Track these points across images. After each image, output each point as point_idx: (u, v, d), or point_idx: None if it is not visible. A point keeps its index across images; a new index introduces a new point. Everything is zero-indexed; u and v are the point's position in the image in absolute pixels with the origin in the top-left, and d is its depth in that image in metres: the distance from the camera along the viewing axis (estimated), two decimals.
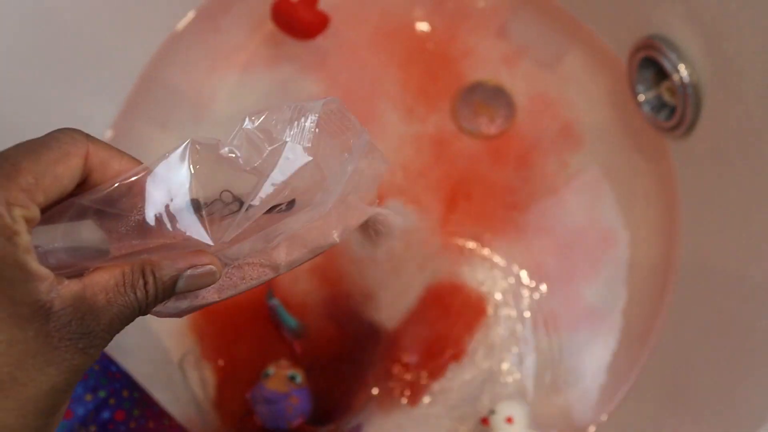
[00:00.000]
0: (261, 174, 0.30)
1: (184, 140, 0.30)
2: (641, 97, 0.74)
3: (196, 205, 0.30)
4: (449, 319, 0.76)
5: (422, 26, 0.84)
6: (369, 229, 0.38)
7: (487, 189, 0.79)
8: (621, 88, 0.78)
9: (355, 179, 0.34)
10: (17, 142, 0.27)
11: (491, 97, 0.82)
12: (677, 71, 0.67)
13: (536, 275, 0.77)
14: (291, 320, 0.74)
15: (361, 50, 0.83)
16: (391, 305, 0.76)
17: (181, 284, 0.30)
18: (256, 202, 0.30)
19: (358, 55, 0.83)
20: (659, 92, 0.73)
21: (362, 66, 0.82)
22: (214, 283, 0.31)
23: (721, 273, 0.67)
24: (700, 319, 0.69)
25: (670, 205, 0.75)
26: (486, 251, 0.78)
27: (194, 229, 0.29)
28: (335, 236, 0.35)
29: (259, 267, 0.34)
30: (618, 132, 0.79)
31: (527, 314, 0.76)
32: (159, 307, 0.31)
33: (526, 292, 0.76)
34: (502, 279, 0.77)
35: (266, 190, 0.30)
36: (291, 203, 0.32)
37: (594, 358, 0.75)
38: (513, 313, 0.76)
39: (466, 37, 0.83)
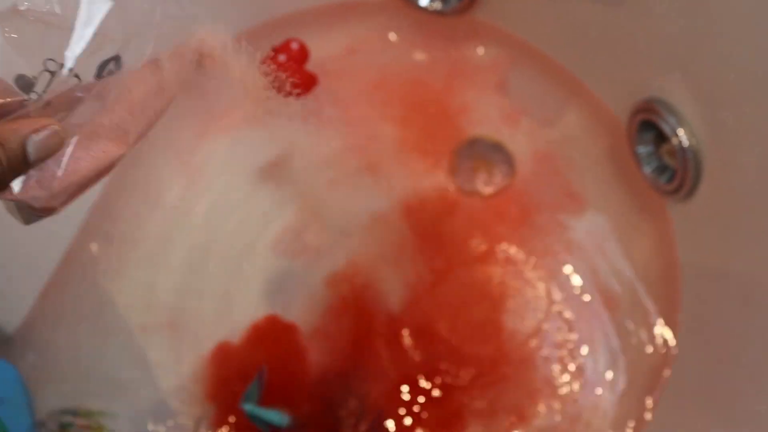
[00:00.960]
0: (67, 26, 0.30)
1: None
2: (642, 159, 0.73)
3: (22, 79, 0.30)
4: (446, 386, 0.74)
5: (419, 80, 0.83)
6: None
7: (487, 248, 0.78)
8: (621, 148, 0.76)
9: (170, 26, 0.34)
10: None
11: (490, 153, 0.81)
12: (676, 135, 0.66)
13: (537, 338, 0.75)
14: (273, 415, 0.70)
15: (356, 105, 0.82)
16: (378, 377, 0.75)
17: (31, 151, 0.30)
18: (70, 54, 0.30)
19: (353, 109, 0.82)
20: (660, 154, 0.72)
21: (358, 121, 0.82)
22: (62, 143, 0.31)
23: (721, 334, 0.65)
24: (701, 389, 0.67)
25: (671, 269, 0.74)
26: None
27: (13, 91, 0.29)
28: (170, 84, 0.35)
29: (109, 136, 0.33)
30: (619, 193, 0.77)
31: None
32: (25, 192, 0.31)
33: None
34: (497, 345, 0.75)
35: (77, 42, 0.30)
36: (117, 60, 0.32)
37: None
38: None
39: (465, 92, 0.82)
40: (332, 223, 0.80)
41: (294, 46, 0.79)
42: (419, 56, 0.83)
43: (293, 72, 0.77)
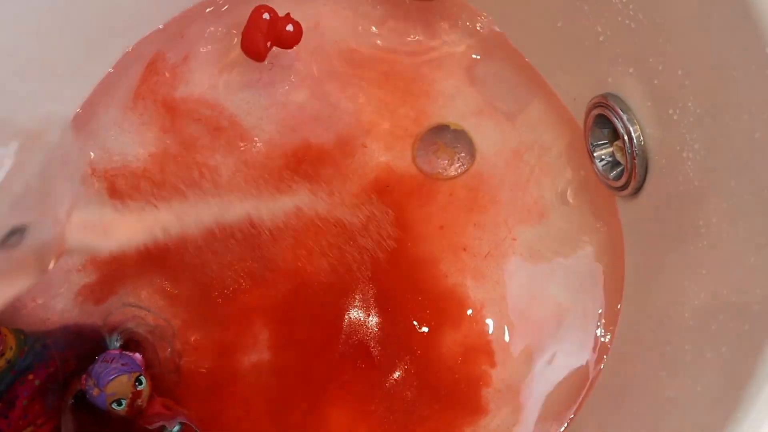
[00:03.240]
0: None
1: None
2: (596, 154, 0.74)
3: None
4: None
5: (386, 60, 0.83)
6: None
7: (439, 230, 0.78)
8: (579, 145, 0.77)
9: None
10: None
11: (452, 140, 0.81)
12: (627, 132, 0.67)
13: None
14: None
15: (320, 79, 0.82)
16: None
17: None
18: None
19: (315, 82, 0.82)
20: (612, 151, 0.72)
21: (321, 94, 0.82)
22: None
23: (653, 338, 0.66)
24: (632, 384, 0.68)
25: (617, 272, 0.74)
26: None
27: None
28: None
29: None
30: (574, 190, 0.78)
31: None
32: None
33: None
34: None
35: None
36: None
37: None
38: None
39: (433, 77, 0.83)
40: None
41: (265, 16, 0.78)
42: (389, 35, 0.84)
43: (251, 36, 0.77)
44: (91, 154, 0.79)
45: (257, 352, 0.75)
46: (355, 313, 0.76)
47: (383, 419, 0.74)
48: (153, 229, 0.77)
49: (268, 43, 0.78)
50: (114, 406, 0.67)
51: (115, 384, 0.67)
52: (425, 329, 0.75)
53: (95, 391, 0.66)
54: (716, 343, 0.52)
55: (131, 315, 0.74)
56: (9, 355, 0.66)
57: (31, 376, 0.67)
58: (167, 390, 0.73)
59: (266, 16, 0.78)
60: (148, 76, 0.82)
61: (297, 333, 0.76)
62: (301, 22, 0.78)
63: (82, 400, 0.68)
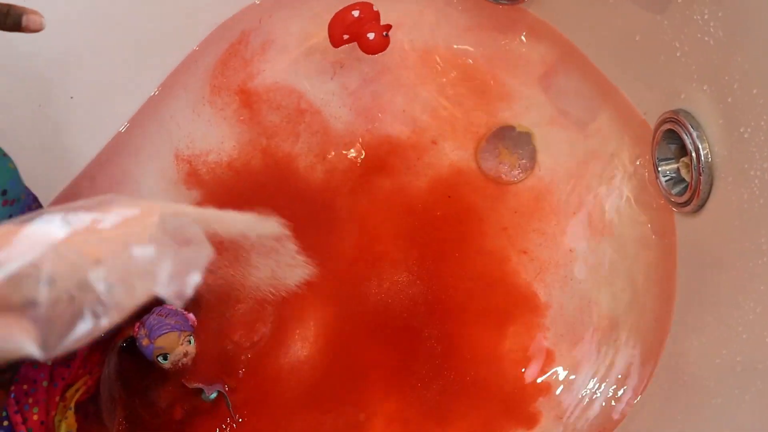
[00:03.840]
0: None
1: None
2: (661, 169, 0.74)
3: None
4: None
5: (463, 61, 0.86)
6: None
7: (502, 231, 0.80)
8: (644, 158, 0.78)
9: None
10: None
11: (517, 143, 0.83)
12: (696, 149, 0.67)
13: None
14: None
15: (396, 73, 0.85)
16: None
17: None
18: None
19: (392, 76, 0.85)
20: (678, 166, 0.73)
21: (396, 88, 0.85)
22: None
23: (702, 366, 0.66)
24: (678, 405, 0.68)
25: (670, 286, 0.75)
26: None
27: None
28: None
29: None
30: (636, 204, 0.79)
31: None
32: None
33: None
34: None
35: None
36: None
37: None
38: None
39: (507, 81, 0.84)
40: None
41: (354, 13, 0.81)
42: (467, 38, 0.86)
43: (333, 23, 0.80)
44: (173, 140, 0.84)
45: (309, 339, 0.77)
46: (416, 304, 0.78)
47: (423, 410, 0.75)
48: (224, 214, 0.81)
49: (345, 36, 0.81)
50: (159, 359, 0.70)
51: (165, 339, 0.70)
52: (469, 329, 0.77)
53: (145, 341, 0.70)
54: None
55: None
56: None
57: None
58: (214, 358, 0.75)
59: (355, 13, 0.80)
60: (227, 62, 0.86)
61: (353, 320, 0.78)
62: (384, 17, 0.81)
63: (131, 345, 0.72)
